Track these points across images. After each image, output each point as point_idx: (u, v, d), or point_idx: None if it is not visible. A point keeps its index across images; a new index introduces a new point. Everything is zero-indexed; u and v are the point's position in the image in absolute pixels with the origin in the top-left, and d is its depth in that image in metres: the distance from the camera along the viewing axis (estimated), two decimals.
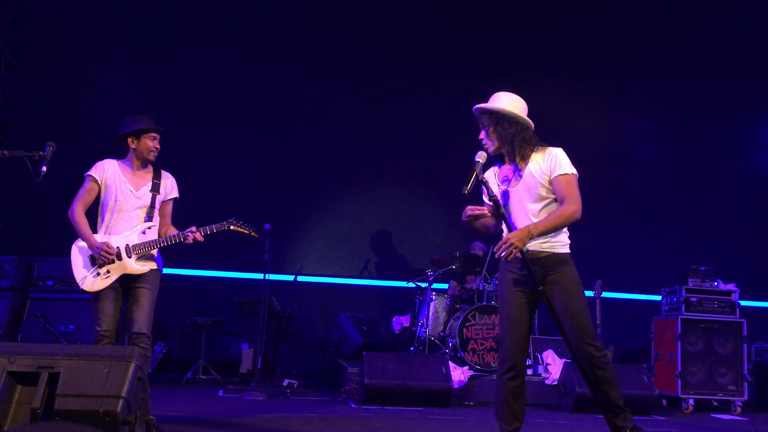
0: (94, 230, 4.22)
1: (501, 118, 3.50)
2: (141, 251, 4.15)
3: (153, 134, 4.26)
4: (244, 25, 8.92)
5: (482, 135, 3.57)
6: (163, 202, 4.35)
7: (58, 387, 2.70)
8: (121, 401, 2.67)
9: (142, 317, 4.07)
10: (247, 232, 4.47)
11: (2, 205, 7.91)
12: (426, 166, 8.99)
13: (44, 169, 3.88)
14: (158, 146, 4.29)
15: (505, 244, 3.32)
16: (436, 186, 8.71)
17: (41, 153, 3.90)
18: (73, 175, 7.15)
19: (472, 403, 6.17)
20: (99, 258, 4.08)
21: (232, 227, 4.37)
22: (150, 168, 4.34)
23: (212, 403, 5.64)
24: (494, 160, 3.63)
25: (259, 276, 6.59)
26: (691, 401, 6.64)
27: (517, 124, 3.50)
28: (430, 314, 7.12)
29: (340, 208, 9.10)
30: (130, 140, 4.26)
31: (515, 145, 3.48)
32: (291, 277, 8.01)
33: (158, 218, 4.31)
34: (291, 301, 7.86)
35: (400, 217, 9.21)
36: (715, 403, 6.85)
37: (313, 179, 8.89)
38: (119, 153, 4.36)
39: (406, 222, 9.19)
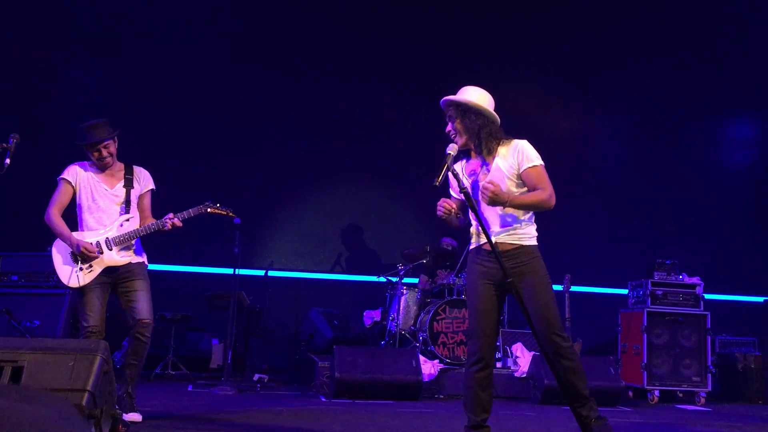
0: (74, 230, 4.25)
1: (467, 110, 3.53)
2: (121, 243, 4.22)
3: (98, 146, 4.23)
4: (215, 15, 8.84)
5: (449, 128, 3.59)
6: (140, 196, 4.41)
7: (22, 381, 2.66)
8: (86, 395, 2.63)
9: (144, 304, 4.16)
10: (225, 213, 4.50)
11: None
12: (397, 161, 9.01)
13: (8, 161, 3.81)
14: (107, 153, 4.26)
15: (491, 183, 3.35)
16: (407, 181, 8.74)
17: (4, 145, 3.82)
18: (38, 168, 7.06)
19: (442, 396, 6.21)
20: (80, 255, 4.12)
21: (209, 209, 4.40)
22: (121, 165, 4.40)
23: (181, 398, 5.59)
24: (461, 154, 3.65)
25: (229, 271, 6.55)
26: (657, 392, 6.77)
27: (483, 117, 3.53)
28: (401, 308, 7.14)
29: (311, 202, 9.09)
30: (85, 150, 4.29)
31: (482, 137, 3.51)
32: (261, 272, 7.98)
33: (137, 212, 4.38)
34: (262, 296, 7.83)
35: (371, 212, 9.22)
36: (680, 395, 6.99)
37: (284, 174, 8.86)
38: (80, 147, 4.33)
39: (377, 216, 9.21)
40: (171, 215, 4.25)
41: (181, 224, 4.25)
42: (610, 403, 5.92)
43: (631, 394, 6.83)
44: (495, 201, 3.37)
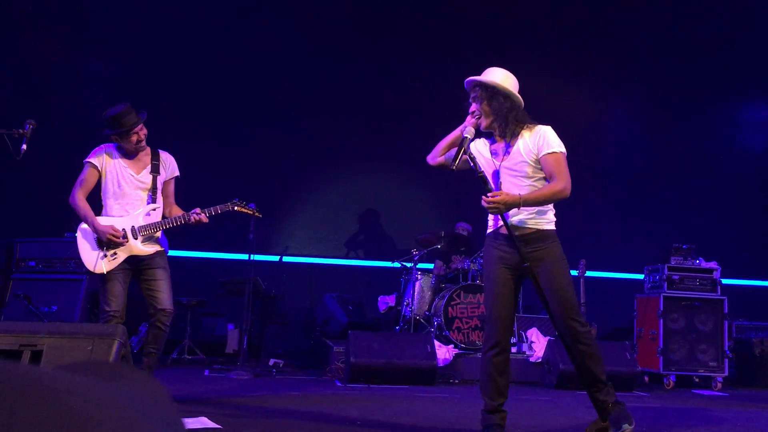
0: (99, 215, 4.24)
1: (496, 93, 3.46)
2: (146, 233, 4.21)
3: (135, 130, 4.22)
4: (230, 4, 8.82)
5: (474, 108, 3.53)
6: (165, 182, 4.40)
7: (41, 365, 2.68)
8: None
9: (165, 294, 4.19)
10: (251, 212, 4.52)
11: None
12: (412, 146, 8.90)
13: (24, 147, 3.83)
14: (143, 135, 4.27)
15: (493, 199, 3.30)
16: (422, 166, 8.59)
17: (21, 131, 3.84)
18: (54, 154, 7.11)
19: (457, 381, 6.21)
20: (106, 242, 4.11)
21: (236, 208, 4.41)
22: (148, 149, 4.37)
23: (198, 382, 5.64)
24: (481, 135, 3.62)
25: (244, 257, 6.57)
26: (673, 377, 6.73)
27: (510, 100, 3.48)
28: (416, 294, 7.14)
29: (326, 188, 9.08)
30: (113, 138, 4.27)
31: (509, 121, 3.46)
32: (276, 258, 8.00)
33: (161, 199, 4.36)
34: (276, 282, 7.85)
35: (385, 197, 9.20)
36: (696, 380, 6.95)
37: (299, 159, 8.85)
38: (100, 132, 4.33)
39: (392, 202, 9.19)
40: (198, 210, 4.23)
41: (207, 220, 4.25)
42: (625, 387, 5.90)
43: (647, 379, 6.81)
44: (507, 207, 3.32)
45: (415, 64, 9.19)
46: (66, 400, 0.39)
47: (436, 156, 3.75)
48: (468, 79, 3.55)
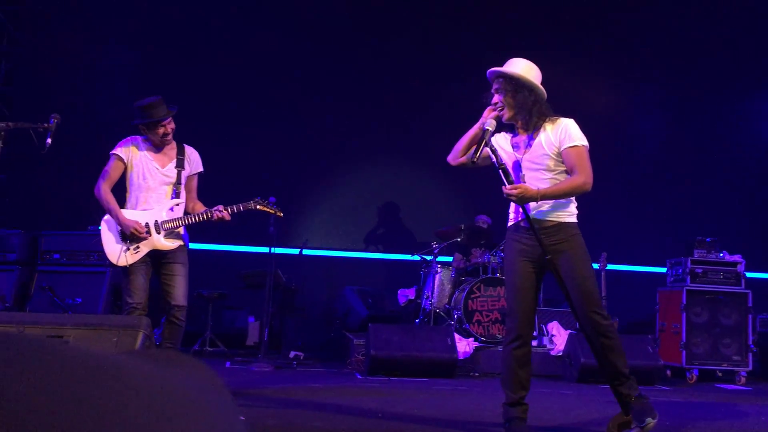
0: (122, 207, 4.29)
1: (522, 86, 3.43)
2: (169, 228, 4.24)
3: (164, 122, 4.25)
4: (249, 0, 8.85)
5: (497, 99, 3.49)
6: (189, 177, 4.43)
7: None
8: None
9: (180, 290, 4.21)
10: (273, 211, 4.53)
11: (7, 178, 7.91)
12: (431, 139, 8.92)
13: (49, 141, 3.87)
14: (170, 129, 4.30)
15: (513, 189, 3.29)
16: (442, 159, 8.62)
17: (46, 125, 3.88)
18: (78, 148, 7.18)
19: (477, 374, 6.21)
20: (130, 235, 4.16)
21: (258, 206, 4.43)
22: (173, 144, 4.40)
23: (220, 374, 5.63)
24: (502, 128, 3.59)
25: (264, 250, 6.61)
26: (696, 371, 6.67)
27: (534, 93, 3.45)
28: (435, 287, 7.13)
29: (346, 181, 9.09)
30: (141, 129, 4.30)
31: (533, 114, 3.43)
32: (296, 251, 8.03)
33: (185, 194, 4.39)
34: (296, 275, 7.88)
35: (405, 190, 9.19)
36: (720, 374, 6.88)
37: (319, 153, 8.87)
38: (126, 125, 4.37)
39: (412, 195, 9.18)
40: (221, 207, 4.25)
41: (229, 218, 4.27)
42: (647, 381, 5.85)
43: (669, 373, 6.75)
44: (523, 200, 3.31)
45: (435, 58, 9.15)
46: (150, 387, 0.38)
47: (457, 156, 3.70)
48: (491, 69, 3.51)
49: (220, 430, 0.39)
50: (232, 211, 4.29)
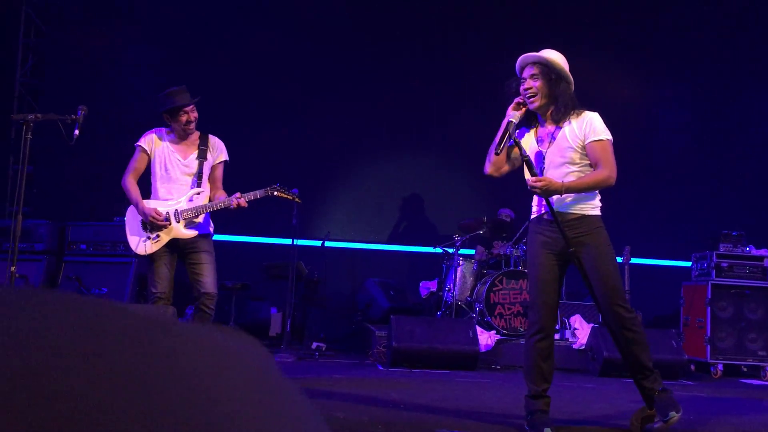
0: (148, 198, 4.36)
1: (560, 77, 3.42)
2: (188, 216, 4.29)
3: (185, 109, 4.29)
4: None
5: (531, 84, 3.41)
6: (213, 167, 4.47)
7: None
8: None
9: (209, 278, 4.26)
10: (291, 197, 4.55)
11: (35, 169, 8.04)
12: (454, 130, 8.93)
13: (77, 132, 3.94)
14: (193, 117, 4.34)
15: (537, 182, 3.28)
16: (465, 150, 8.65)
17: (73, 117, 3.95)
18: (104, 139, 7.27)
19: (498, 367, 6.21)
20: (149, 223, 4.23)
21: (276, 193, 4.45)
22: (197, 134, 4.44)
23: None
24: (523, 120, 3.56)
25: (287, 241, 6.65)
26: (720, 366, 6.61)
27: (569, 86, 3.45)
28: (457, 279, 7.13)
29: (368, 173, 9.10)
30: (165, 117, 4.35)
31: (566, 106, 3.42)
32: (318, 243, 8.06)
33: (207, 184, 4.43)
34: (318, 266, 7.92)
35: (427, 183, 9.18)
36: (744, 369, 6.81)
37: (341, 145, 8.88)
38: (152, 117, 4.42)
39: (434, 187, 9.17)
40: (238, 195, 4.28)
41: (246, 205, 4.29)
42: (671, 376, 5.81)
43: (693, 367, 6.70)
44: (548, 193, 3.30)
45: (457, 49, 9.10)
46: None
47: (492, 161, 3.55)
48: (528, 54, 3.47)
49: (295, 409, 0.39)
50: (249, 198, 4.31)
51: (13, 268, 3.80)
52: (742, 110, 9.63)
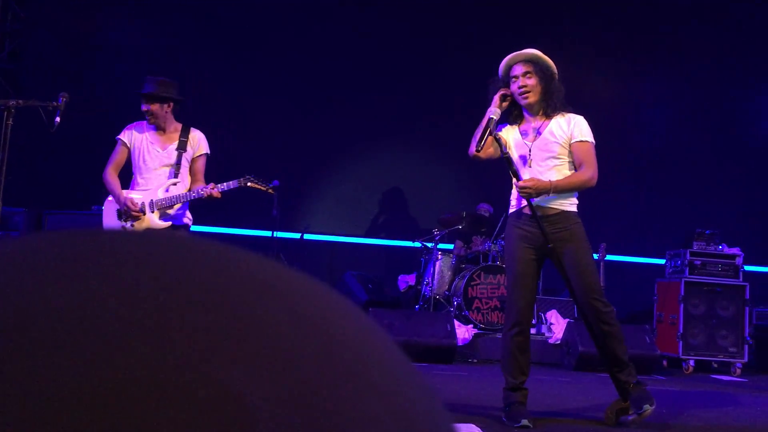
0: (128, 189, 4.36)
1: (552, 76, 3.54)
2: (162, 207, 4.28)
3: (144, 98, 4.27)
4: None
5: (527, 81, 3.49)
6: (193, 159, 4.43)
7: None
8: None
9: None
10: (264, 188, 4.51)
11: (13, 156, 7.92)
12: (434, 126, 8.97)
13: (58, 119, 3.91)
14: (150, 108, 4.25)
15: (525, 185, 3.37)
16: (444, 145, 8.69)
17: (55, 104, 3.91)
18: (84, 128, 7.19)
19: (475, 361, 6.27)
20: (124, 212, 4.26)
21: (249, 184, 4.42)
22: (178, 126, 4.41)
23: None
24: (503, 117, 3.62)
25: (266, 233, 6.64)
26: (692, 362, 6.73)
27: (560, 85, 3.55)
28: (436, 273, 7.18)
29: (348, 167, 9.11)
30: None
31: (556, 104, 3.51)
32: (297, 235, 8.06)
33: (187, 176, 4.40)
34: (297, 259, 7.92)
35: (407, 177, 9.22)
36: (716, 365, 6.94)
37: (322, 137, 8.87)
38: (134, 105, 4.41)
39: (414, 182, 9.21)
40: (211, 185, 4.24)
41: (219, 195, 4.23)
42: (644, 371, 5.89)
43: (665, 363, 6.81)
44: (539, 192, 3.40)
45: (440, 45, 9.14)
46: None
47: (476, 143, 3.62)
48: (524, 52, 3.54)
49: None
50: (223, 188, 4.27)
51: None
52: (718, 111, 9.79)
